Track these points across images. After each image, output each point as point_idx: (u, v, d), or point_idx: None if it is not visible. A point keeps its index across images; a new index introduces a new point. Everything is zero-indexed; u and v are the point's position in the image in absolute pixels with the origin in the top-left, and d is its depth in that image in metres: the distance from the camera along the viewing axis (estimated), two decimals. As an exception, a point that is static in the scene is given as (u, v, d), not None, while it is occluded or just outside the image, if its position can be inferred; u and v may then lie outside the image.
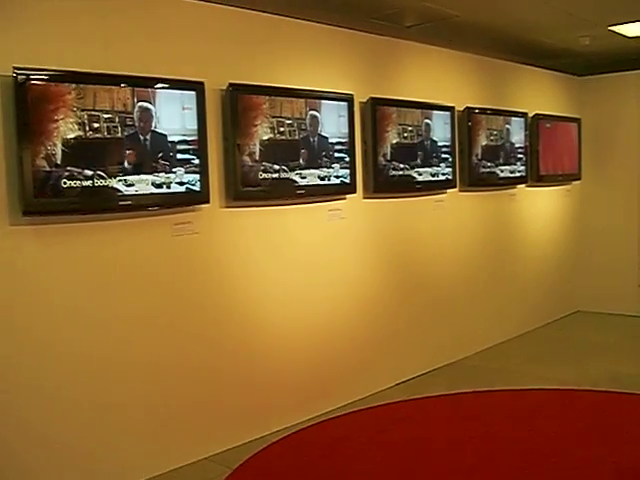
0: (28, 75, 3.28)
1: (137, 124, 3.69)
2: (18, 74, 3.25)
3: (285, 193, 4.55)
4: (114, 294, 3.76)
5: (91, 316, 3.66)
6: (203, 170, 4.02)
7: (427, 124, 5.61)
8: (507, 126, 6.55)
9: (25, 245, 3.41)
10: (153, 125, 3.77)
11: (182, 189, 3.91)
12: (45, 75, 3.34)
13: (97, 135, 3.53)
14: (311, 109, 4.64)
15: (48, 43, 3.46)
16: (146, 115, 3.73)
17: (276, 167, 4.43)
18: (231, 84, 4.21)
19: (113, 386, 3.76)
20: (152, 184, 3.77)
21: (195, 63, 4.10)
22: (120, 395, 3.79)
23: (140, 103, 3.69)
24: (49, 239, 3.50)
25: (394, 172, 5.32)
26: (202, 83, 4.02)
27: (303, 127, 4.60)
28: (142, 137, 3.72)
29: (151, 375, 3.93)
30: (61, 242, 3.55)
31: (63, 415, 3.56)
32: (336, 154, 4.82)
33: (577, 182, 7.93)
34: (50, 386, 3.50)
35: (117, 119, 3.61)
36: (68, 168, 3.42)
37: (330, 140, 4.78)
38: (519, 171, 6.77)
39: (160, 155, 3.81)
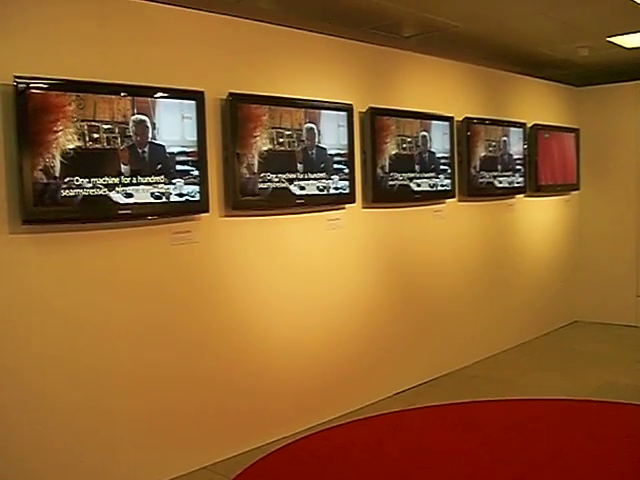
0: (28, 84, 3.29)
1: (133, 137, 3.69)
2: (18, 82, 3.26)
3: (284, 203, 4.55)
4: (113, 302, 3.76)
5: (90, 324, 3.65)
6: (202, 180, 4.02)
7: (426, 134, 5.62)
8: (505, 137, 6.57)
9: (24, 254, 3.41)
10: (150, 136, 3.77)
11: (182, 200, 3.92)
12: (45, 84, 3.35)
13: (97, 145, 3.54)
14: (308, 121, 4.64)
15: (48, 51, 3.47)
16: (142, 127, 3.73)
17: (275, 177, 4.44)
18: (231, 93, 4.23)
19: (111, 395, 3.75)
20: (151, 195, 3.78)
21: (195, 72, 4.11)
22: (118, 404, 3.78)
23: (135, 116, 3.69)
24: (48, 248, 3.50)
25: (393, 182, 5.33)
26: (202, 92, 4.03)
27: (302, 138, 4.61)
28: (140, 149, 3.73)
29: (149, 383, 3.93)
30: (60, 251, 3.55)
31: (61, 423, 3.55)
32: (335, 165, 4.83)
33: (576, 192, 7.95)
34: (48, 394, 3.49)
35: (117, 130, 3.62)
36: (67, 177, 3.42)
37: (329, 151, 4.79)
38: (518, 181, 6.78)
39: (159, 166, 3.81)
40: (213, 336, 4.25)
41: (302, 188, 4.61)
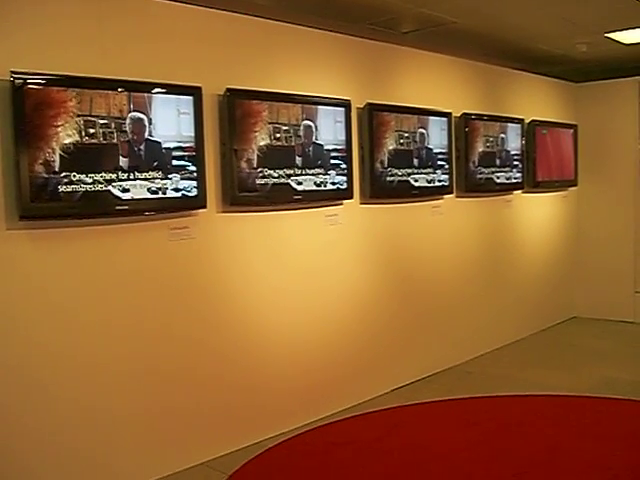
0: (25, 79, 3.28)
1: (130, 134, 3.68)
2: (15, 78, 3.25)
3: (282, 198, 4.55)
4: (111, 298, 3.75)
5: (88, 321, 3.65)
6: (200, 175, 4.02)
7: (424, 130, 5.62)
8: (503, 132, 6.56)
9: (22, 249, 3.40)
10: (147, 133, 3.76)
11: (178, 195, 3.91)
12: (42, 79, 3.34)
13: (93, 140, 3.53)
14: (306, 117, 4.64)
15: (45, 47, 3.46)
16: (139, 126, 3.72)
17: (272, 172, 4.43)
18: (228, 89, 4.22)
19: (110, 391, 3.75)
20: (148, 190, 3.77)
21: (193, 68, 4.10)
22: (116, 400, 3.78)
23: (132, 114, 3.68)
24: (46, 243, 3.49)
25: (391, 178, 5.32)
26: (200, 88, 4.02)
27: (299, 134, 4.61)
28: (136, 146, 3.72)
29: (147, 379, 3.92)
30: (58, 246, 3.54)
31: (60, 419, 3.54)
32: (332, 160, 4.83)
33: (573, 188, 7.95)
34: (46, 390, 3.49)
35: (113, 125, 3.61)
36: (64, 173, 3.42)
37: (326, 147, 4.78)
38: (515, 177, 6.78)
39: (155, 162, 3.80)
40: (211, 332, 4.25)
41: (299, 184, 4.60)
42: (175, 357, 4.05)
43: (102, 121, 3.57)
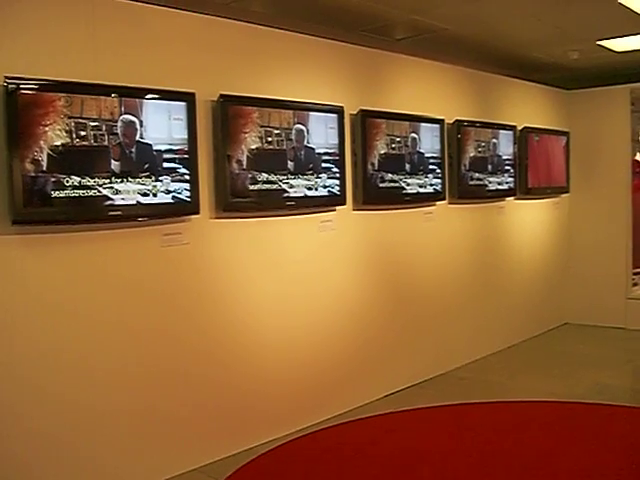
0: (18, 84, 3.27)
1: (121, 138, 3.68)
2: (9, 83, 3.25)
3: (275, 204, 4.55)
4: (103, 304, 3.74)
5: (80, 326, 3.64)
6: (193, 181, 4.01)
7: (416, 137, 5.63)
8: (496, 139, 6.58)
9: (14, 254, 3.39)
10: (138, 136, 3.76)
11: (170, 199, 3.90)
12: (35, 84, 3.34)
13: (85, 143, 3.53)
14: (297, 123, 4.64)
15: (38, 52, 3.46)
16: (130, 129, 3.72)
17: (265, 178, 4.43)
18: (222, 95, 4.22)
19: (101, 396, 3.73)
20: (139, 193, 3.76)
21: (186, 74, 4.10)
22: (108, 405, 3.76)
23: (123, 116, 3.68)
24: (38, 249, 3.48)
25: (384, 184, 5.34)
26: (193, 94, 4.03)
27: (291, 138, 4.62)
28: (128, 150, 3.72)
29: (140, 385, 3.91)
30: (51, 252, 3.53)
31: (57, 421, 3.53)
32: (323, 164, 4.83)
33: (565, 195, 7.98)
34: (42, 393, 3.48)
35: (105, 129, 3.61)
36: (57, 177, 3.41)
37: (318, 151, 4.78)
38: (507, 183, 6.80)
39: (146, 164, 3.79)
40: (205, 338, 4.24)
41: (291, 187, 4.60)
42: (168, 362, 4.04)
43: (93, 124, 3.56)
